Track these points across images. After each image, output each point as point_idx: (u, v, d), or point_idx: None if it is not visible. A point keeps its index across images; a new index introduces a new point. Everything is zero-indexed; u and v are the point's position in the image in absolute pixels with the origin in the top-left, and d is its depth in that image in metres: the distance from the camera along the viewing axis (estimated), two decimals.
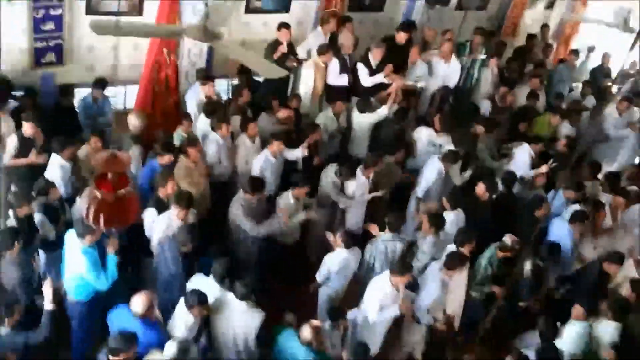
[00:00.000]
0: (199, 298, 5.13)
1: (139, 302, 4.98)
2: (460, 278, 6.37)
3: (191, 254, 6.09)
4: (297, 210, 6.89)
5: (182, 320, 5.18)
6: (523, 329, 6.60)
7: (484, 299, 6.79)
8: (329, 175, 7.33)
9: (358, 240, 6.77)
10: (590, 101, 10.72)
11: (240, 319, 5.32)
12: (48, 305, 4.97)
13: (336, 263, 6.25)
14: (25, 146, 6.67)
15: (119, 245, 5.56)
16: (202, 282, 5.56)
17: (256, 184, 6.61)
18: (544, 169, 8.02)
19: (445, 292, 6.21)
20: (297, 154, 7.54)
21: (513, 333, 6.69)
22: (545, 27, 12.36)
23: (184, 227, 5.97)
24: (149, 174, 6.77)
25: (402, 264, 5.90)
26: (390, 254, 6.43)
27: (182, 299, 5.26)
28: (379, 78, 8.83)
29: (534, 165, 8.38)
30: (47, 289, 4.98)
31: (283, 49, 8.51)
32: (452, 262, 6.11)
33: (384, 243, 6.46)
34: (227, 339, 5.38)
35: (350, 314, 6.07)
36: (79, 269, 5.41)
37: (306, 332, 5.15)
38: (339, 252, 6.29)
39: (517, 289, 6.77)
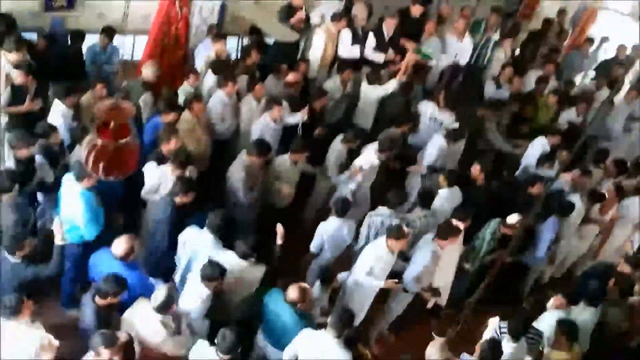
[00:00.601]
0: (220, 270, 5.06)
1: (120, 244, 5.07)
2: (452, 251, 6.41)
3: (186, 208, 6.10)
4: (293, 174, 6.94)
5: (197, 293, 5.16)
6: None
7: (476, 272, 6.87)
8: (336, 143, 7.35)
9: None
10: (604, 93, 10.62)
11: (241, 278, 5.41)
12: (58, 240, 5.08)
13: (329, 230, 6.30)
14: (18, 94, 6.61)
15: (116, 193, 5.61)
16: (195, 234, 5.62)
17: (262, 147, 6.58)
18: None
19: (435, 263, 6.26)
20: (297, 118, 7.47)
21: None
22: (562, 12, 12.20)
23: (181, 179, 5.97)
24: (152, 130, 6.74)
25: (399, 229, 5.92)
26: (387, 231, 6.43)
27: (195, 272, 5.25)
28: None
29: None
30: (57, 226, 5.08)
31: (301, 14, 8.44)
32: (444, 233, 6.14)
33: (381, 217, 6.50)
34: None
35: (341, 276, 6.12)
36: (73, 212, 5.48)
37: (292, 292, 5.17)
38: (332, 220, 6.34)
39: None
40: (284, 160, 6.89)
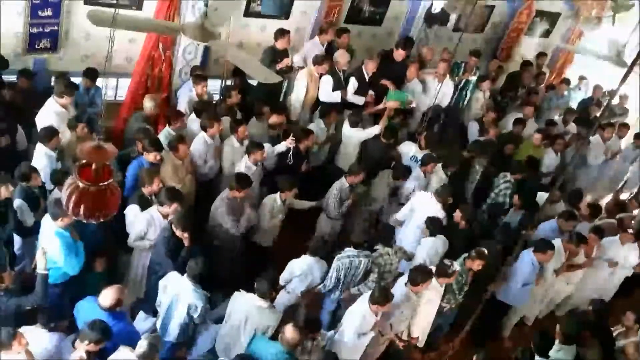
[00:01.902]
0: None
1: (108, 296, 5.00)
2: (429, 295, 6.39)
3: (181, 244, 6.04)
4: (280, 212, 7.07)
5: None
6: None
7: (456, 310, 6.89)
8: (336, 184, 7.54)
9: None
10: (573, 129, 10.88)
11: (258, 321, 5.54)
12: (41, 269, 5.08)
13: (299, 268, 6.36)
14: None
15: (96, 237, 5.55)
16: (176, 279, 5.58)
17: (243, 180, 6.66)
18: None
19: (409, 308, 6.26)
20: (283, 146, 7.57)
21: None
22: (541, 55, 12.50)
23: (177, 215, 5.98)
24: (135, 169, 6.72)
25: (384, 293, 5.89)
26: (353, 269, 6.53)
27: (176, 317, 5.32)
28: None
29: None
30: (40, 255, 5.11)
31: (288, 60, 8.56)
32: (415, 278, 6.13)
33: (349, 258, 6.52)
34: None
35: (329, 334, 6.12)
36: (51, 252, 5.41)
37: (289, 332, 5.20)
38: (304, 258, 6.41)
39: None
40: (274, 199, 7.01)
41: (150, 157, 6.66)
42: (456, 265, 6.41)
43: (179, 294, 5.51)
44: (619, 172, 11.46)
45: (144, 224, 6.12)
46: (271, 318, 5.58)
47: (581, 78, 12.94)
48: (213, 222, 6.79)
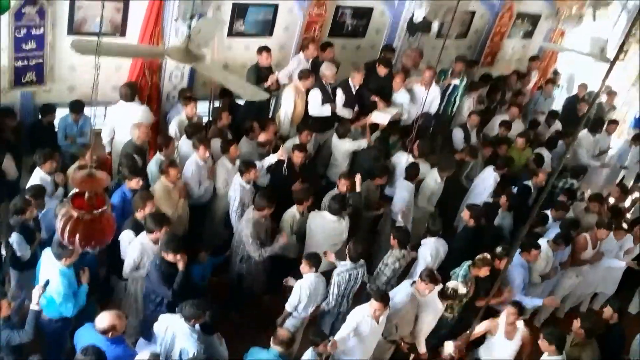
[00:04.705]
0: None
1: (103, 319, 4.92)
2: (434, 299, 6.39)
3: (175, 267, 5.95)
4: (302, 224, 7.12)
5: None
6: None
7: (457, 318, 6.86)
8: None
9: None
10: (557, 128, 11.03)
11: None
12: (34, 305, 5.04)
13: (307, 287, 6.29)
14: None
15: (94, 266, 5.52)
16: (173, 321, 5.46)
17: (269, 196, 6.68)
18: None
19: (414, 309, 6.24)
20: (274, 158, 7.61)
21: None
22: (535, 58, 12.61)
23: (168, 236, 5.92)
24: (119, 199, 6.65)
25: (382, 294, 5.92)
26: (353, 281, 6.54)
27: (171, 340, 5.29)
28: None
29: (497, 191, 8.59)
30: (36, 290, 5.06)
31: (274, 78, 8.59)
32: (423, 277, 6.18)
33: (348, 272, 6.49)
34: None
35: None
36: (53, 287, 5.36)
37: (282, 332, 5.28)
38: (307, 277, 6.34)
39: None
40: (292, 214, 7.10)
41: (132, 183, 6.62)
42: (462, 289, 6.43)
43: (175, 335, 5.37)
44: (612, 171, 11.59)
45: (137, 252, 6.05)
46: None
47: (555, 73, 13.09)
48: (238, 242, 6.86)
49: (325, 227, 7.04)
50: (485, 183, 8.89)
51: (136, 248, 6.07)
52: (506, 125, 10.13)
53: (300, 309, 6.39)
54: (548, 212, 8.25)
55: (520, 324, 6.44)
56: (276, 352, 5.32)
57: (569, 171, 9.40)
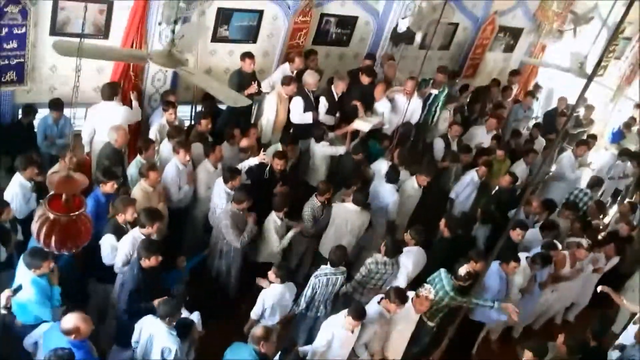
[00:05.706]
0: None
1: (68, 321, 4.85)
2: (406, 314, 6.39)
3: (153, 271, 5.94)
4: (283, 230, 7.23)
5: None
6: None
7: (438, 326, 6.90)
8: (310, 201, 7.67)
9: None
10: (540, 142, 11.12)
11: None
12: (2, 309, 5.01)
13: (271, 297, 6.31)
14: None
15: (70, 270, 5.46)
16: (150, 322, 5.46)
17: (248, 191, 6.90)
18: None
19: (383, 327, 6.27)
20: (255, 160, 7.62)
21: None
22: (515, 73, 12.75)
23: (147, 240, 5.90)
24: (93, 204, 6.49)
25: (359, 309, 5.94)
26: (330, 287, 6.58)
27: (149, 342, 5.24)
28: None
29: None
30: (4, 295, 5.05)
31: (254, 88, 8.59)
32: (391, 296, 6.15)
33: (326, 276, 6.54)
34: None
35: (303, 349, 6.08)
36: (26, 294, 5.30)
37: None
38: (273, 287, 6.34)
39: None
40: (273, 220, 7.14)
41: (107, 187, 6.55)
42: (432, 293, 6.43)
43: (153, 335, 5.36)
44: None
45: (129, 246, 6.01)
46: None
47: (537, 86, 13.27)
48: (217, 236, 7.01)
49: (349, 218, 7.47)
50: (466, 189, 9.09)
51: (128, 242, 6.06)
52: (497, 139, 10.39)
53: (267, 316, 6.40)
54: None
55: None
56: (252, 349, 5.35)
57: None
